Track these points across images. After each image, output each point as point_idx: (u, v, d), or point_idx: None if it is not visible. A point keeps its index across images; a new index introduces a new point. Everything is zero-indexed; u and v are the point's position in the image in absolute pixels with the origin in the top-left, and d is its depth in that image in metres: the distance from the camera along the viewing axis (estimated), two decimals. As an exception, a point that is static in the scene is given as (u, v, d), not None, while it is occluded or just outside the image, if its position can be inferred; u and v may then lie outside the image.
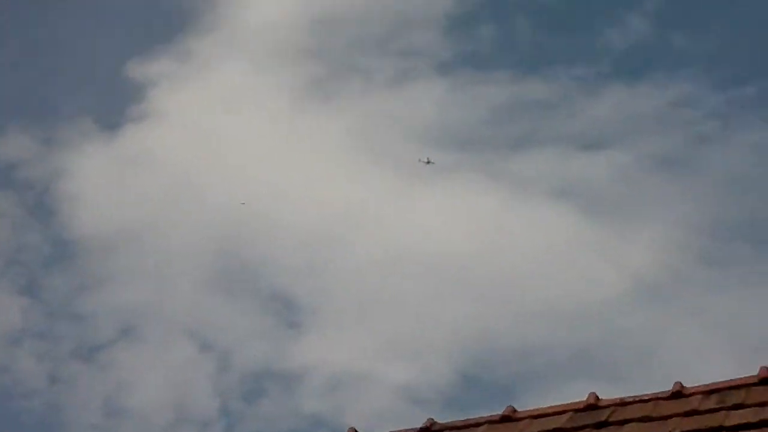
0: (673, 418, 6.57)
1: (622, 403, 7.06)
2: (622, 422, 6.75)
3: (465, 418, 7.63)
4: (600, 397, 7.24)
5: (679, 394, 6.93)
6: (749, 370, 6.89)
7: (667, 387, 7.05)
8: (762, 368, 6.81)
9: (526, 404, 7.49)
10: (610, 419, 6.85)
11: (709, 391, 6.80)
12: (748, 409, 6.38)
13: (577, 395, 7.34)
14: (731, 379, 6.87)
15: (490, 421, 7.39)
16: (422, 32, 43.83)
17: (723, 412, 6.45)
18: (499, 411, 7.48)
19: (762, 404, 6.38)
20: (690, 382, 7.04)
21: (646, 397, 7.03)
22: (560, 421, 7.04)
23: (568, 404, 7.28)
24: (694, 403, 6.72)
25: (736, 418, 6.32)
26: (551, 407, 7.32)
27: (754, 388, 6.68)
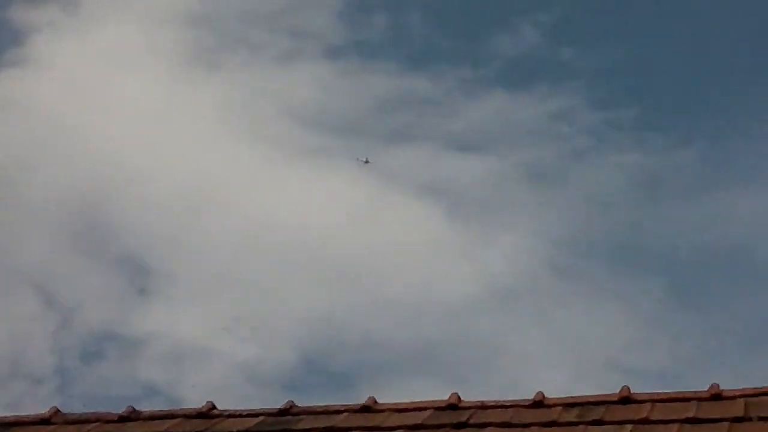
0: (533, 427, 6.68)
1: (483, 407, 7.15)
2: (482, 425, 6.83)
3: (308, 403, 7.61)
4: (462, 398, 7.33)
5: (540, 403, 7.06)
6: (589, 385, 7.08)
7: (513, 392, 7.20)
8: (623, 387, 6.99)
9: (367, 395, 7.53)
10: (470, 421, 6.93)
11: (570, 404, 6.95)
12: (607, 426, 6.54)
13: (420, 391, 7.43)
14: (593, 395, 7.03)
15: (350, 410, 7.39)
16: (316, 13, 43.68)
17: (582, 426, 6.59)
18: (341, 399, 7.52)
19: (620, 422, 6.55)
20: (528, 391, 7.19)
21: (507, 404, 7.14)
22: (420, 418, 7.09)
23: (429, 401, 7.33)
24: (554, 414, 6.85)
25: (593, 433, 6.47)
26: (413, 403, 7.37)
27: (613, 405, 6.85)
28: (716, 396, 6.75)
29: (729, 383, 6.87)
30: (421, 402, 7.36)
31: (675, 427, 6.37)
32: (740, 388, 6.77)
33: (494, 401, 7.20)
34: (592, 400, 6.95)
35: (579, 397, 7.03)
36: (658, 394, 6.91)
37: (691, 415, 6.50)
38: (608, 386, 7.09)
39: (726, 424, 6.29)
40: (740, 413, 6.42)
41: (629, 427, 6.46)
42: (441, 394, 7.35)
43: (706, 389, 6.84)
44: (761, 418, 6.32)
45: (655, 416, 6.59)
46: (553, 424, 6.71)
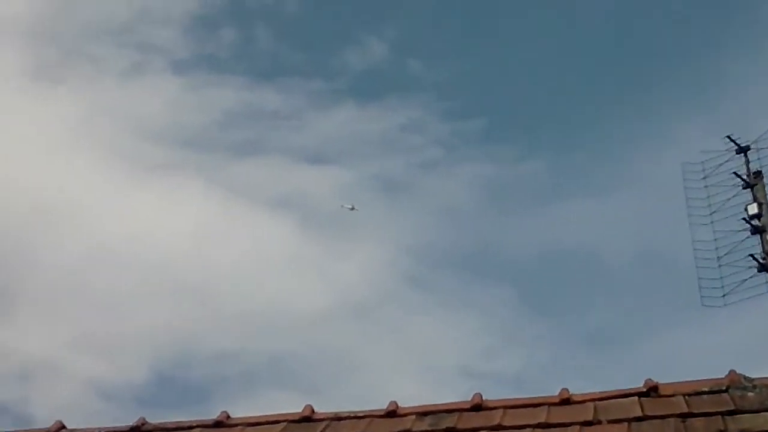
0: (387, 437, 6.69)
1: (337, 418, 7.12)
2: (336, 437, 6.81)
3: (161, 418, 7.48)
4: (315, 410, 7.29)
5: (393, 413, 7.07)
6: (445, 393, 7.13)
7: (370, 403, 7.20)
8: (475, 395, 7.06)
9: (221, 408, 7.44)
10: (324, 433, 6.90)
11: (423, 413, 6.98)
12: (459, 433, 6.59)
13: (275, 403, 7.37)
14: (444, 403, 7.08)
15: (203, 425, 7.28)
16: (162, 28, 42.99)
17: (435, 434, 6.63)
18: (195, 414, 7.42)
19: (473, 429, 6.61)
20: (384, 402, 7.20)
21: (361, 414, 7.13)
22: (275, 431, 7.02)
23: (283, 414, 7.27)
24: (407, 423, 6.87)
25: (446, 440, 6.51)
26: (266, 416, 7.30)
27: (465, 413, 6.91)
28: (566, 401, 6.87)
29: (580, 387, 7.01)
30: (274, 415, 7.29)
31: (527, 432, 6.45)
32: (589, 392, 6.92)
33: (348, 412, 7.18)
34: (444, 408, 6.99)
35: (432, 405, 7.07)
36: (509, 400, 7.00)
37: (542, 420, 6.60)
38: (464, 393, 7.16)
39: (576, 427, 6.41)
40: (590, 417, 6.55)
41: (482, 434, 6.52)
42: (296, 407, 7.31)
43: (556, 394, 6.96)
44: (610, 421, 6.46)
45: (507, 422, 6.66)
46: (406, 433, 6.72)
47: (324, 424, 7.06)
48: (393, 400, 7.19)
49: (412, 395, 7.24)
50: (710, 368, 7.17)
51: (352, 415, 7.15)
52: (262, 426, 7.16)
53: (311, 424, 7.09)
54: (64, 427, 7.43)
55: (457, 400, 7.06)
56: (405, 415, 7.02)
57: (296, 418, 7.20)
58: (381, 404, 7.20)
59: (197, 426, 7.29)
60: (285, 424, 7.14)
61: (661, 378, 6.94)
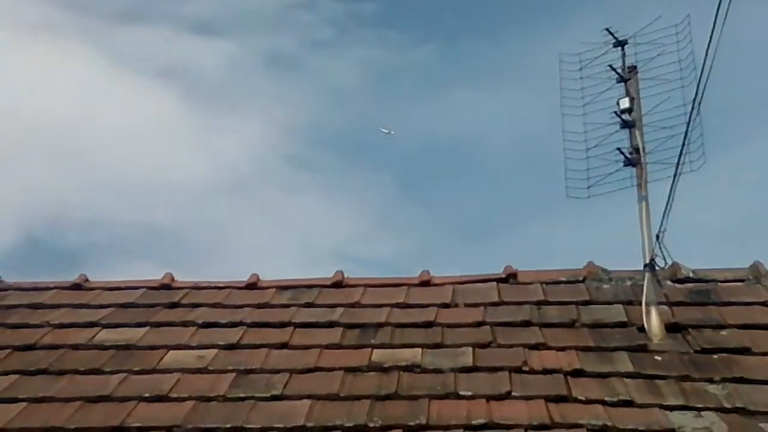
0: (245, 309, 6.64)
1: (197, 287, 7.06)
2: (194, 305, 6.74)
3: (30, 281, 7.32)
4: (175, 279, 7.20)
5: (253, 285, 7.03)
6: (320, 272, 7.11)
7: (243, 279, 7.13)
8: (337, 272, 7.05)
9: (93, 276, 7.31)
10: (183, 301, 6.83)
11: (283, 287, 6.95)
12: (318, 309, 6.58)
13: (147, 275, 7.27)
14: (306, 278, 7.05)
15: (60, 287, 7.14)
16: None
17: (294, 308, 6.60)
18: (66, 278, 7.26)
19: (332, 306, 6.60)
20: (263, 277, 7.16)
21: (221, 285, 7.08)
22: (133, 296, 6.93)
23: (142, 281, 7.18)
24: (267, 296, 6.84)
25: (304, 315, 6.49)
26: (125, 281, 7.19)
27: (326, 289, 6.90)
28: (426, 283, 6.91)
29: (445, 273, 7.04)
30: (134, 281, 7.20)
31: (385, 311, 6.47)
32: (449, 275, 6.96)
33: (208, 282, 7.12)
34: (305, 283, 6.97)
35: (293, 280, 7.04)
36: (370, 279, 7.01)
37: (400, 300, 6.63)
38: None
39: (434, 309, 6.45)
40: (447, 300, 6.59)
41: (340, 310, 6.52)
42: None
43: (417, 276, 6.99)
44: (467, 305, 6.51)
45: (365, 300, 6.68)
46: (265, 305, 6.69)
47: (183, 292, 6.98)
48: (255, 272, 7.14)
49: (286, 275, 7.19)
50: (572, 259, 7.27)
51: (211, 285, 7.09)
52: (120, 291, 7.06)
53: (170, 291, 7.01)
54: None
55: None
56: (265, 288, 6.99)
57: (155, 285, 7.11)
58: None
59: (54, 287, 7.14)
60: (144, 290, 7.05)
61: (526, 267, 7.02)
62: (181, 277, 7.24)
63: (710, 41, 5.65)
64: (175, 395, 5.51)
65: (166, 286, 7.07)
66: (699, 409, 5.14)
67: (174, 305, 6.77)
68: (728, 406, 5.17)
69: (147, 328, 6.44)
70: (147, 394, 5.51)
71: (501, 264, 7.03)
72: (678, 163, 6.11)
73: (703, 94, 5.95)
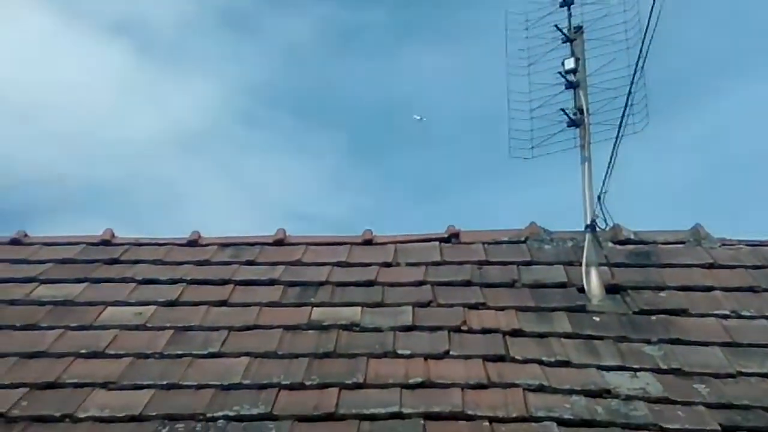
0: (185, 266, 6.59)
1: (138, 244, 6.99)
2: (134, 262, 6.67)
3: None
4: (116, 235, 7.13)
5: (195, 242, 6.97)
6: (267, 230, 7.06)
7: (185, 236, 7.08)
8: (279, 230, 7.01)
9: (38, 233, 7.22)
10: (122, 257, 6.76)
11: (224, 244, 6.90)
12: (259, 266, 6.54)
13: (94, 231, 7.18)
14: (247, 236, 7.01)
15: (-1, 243, 7.04)
16: None
17: (235, 265, 6.56)
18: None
19: (273, 263, 6.57)
20: (209, 234, 7.11)
21: (162, 241, 7.01)
22: (72, 252, 6.85)
23: (82, 236, 7.09)
24: (208, 253, 6.79)
25: (245, 273, 6.45)
26: (65, 237, 7.10)
27: (268, 247, 6.86)
28: (368, 242, 6.90)
29: (397, 232, 7.02)
30: (73, 236, 7.10)
31: (326, 270, 6.45)
32: (392, 234, 6.94)
33: (149, 239, 7.05)
34: (247, 241, 6.93)
35: (235, 237, 6.99)
36: (312, 237, 6.98)
37: (342, 259, 6.61)
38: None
39: (375, 268, 6.44)
40: (389, 259, 6.58)
41: (281, 268, 6.49)
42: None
43: (360, 235, 6.97)
44: (409, 264, 6.51)
45: (307, 259, 6.65)
46: (206, 263, 6.64)
47: (123, 248, 6.91)
48: (196, 230, 7.09)
49: (237, 233, 7.13)
50: (517, 219, 7.28)
51: (152, 241, 7.02)
52: (59, 246, 6.97)
53: (110, 248, 6.94)
54: None
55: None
56: (207, 245, 6.94)
57: (95, 240, 7.03)
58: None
59: (-17, 243, 7.04)
60: (84, 246, 6.97)
61: (474, 227, 7.02)
62: (129, 233, 7.16)
63: (654, 2, 5.65)
64: (112, 352, 5.46)
65: (106, 242, 7.00)
66: (635, 370, 5.17)
67: (114, 261, 6.70)
68: (664, 367, 5.21)
69: (86, 284, 6.37)
70: (83, 351, 5.46)
71: (452, 221, 7.03)
72: (620, 125, 6.12)
73: (646, 56, 5.95)
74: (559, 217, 7.37)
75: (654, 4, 5.66)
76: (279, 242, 6.91)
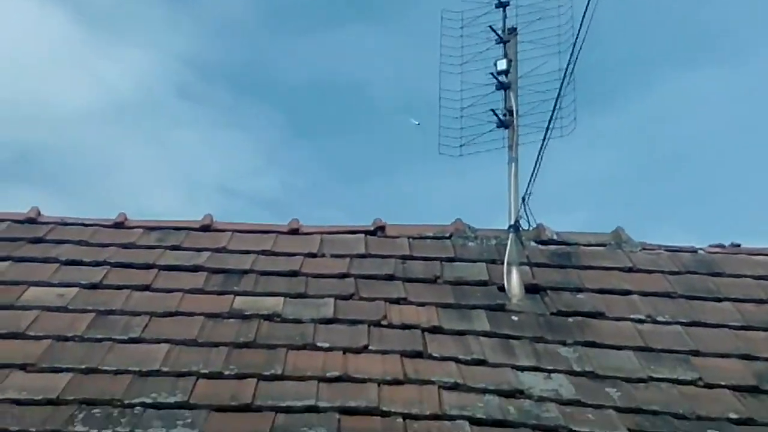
0: (110, 248, 6.57)
1: (63, 223, 6.96)
2: (59, 242, 6.64)
3: None
4: (42, 213, 7.09)
5: (121, 225, 6.95)
6: (198, 209, 7.07)
7: (121, 210, 7.07)
8: (206, 216, 7.02)
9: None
10: (47, 237, 6.73)
11: (151, 228, 6.90)
12: (184, 252, 6.55)
13: (17, 202, 7.13)
14: (175, 220, 7.01)
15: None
16: None
17: (160, 250, 6.56)
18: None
19: (198, 249, 6.58)
20: (138, 214, 7.11)
21: (89, 222, 6.99)
22: (-4, 231, 6.80)
23: (7, 213, 7.04)
24: (134, 236, 6.78)
25: (170, 258, 6.46)
26: (-10, 214, 7.04)
27: (194, 233, 6.87)
28: (294, 231, 6.93)
29: (329, 218, 7.06)
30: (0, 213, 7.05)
31: (251, 258, 6.47)
32: (319, 225, 6.99)
33: (75, 219, 7.02)
34: (174, 225, 6.93)
35: (162, 221, 6.99)
36: (240, 224, 7.00)
37: (267, 247, 6.64)
38: (221, 211, 7.09)
39: (300, 258, 6.48)
40: (315, 249, 6.63)
41: (206, 254, 6.50)
42: (41, 206, 7.09)
43: (286, 224, 7.00)
44: (333, 255, 6.56)
45: (232, 246, 6.67)
46: (131, 246, 6.63)
47: (48, 227, 6.88)
48: (122, 212, 7.07)
49: (168, 207, 7.12)
50: (441, 215, 7.35)
51: (78, 221, 6.99)
52: (-18, 224, 6.91)
53: (35, 226, 6.90)
54: None
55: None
56: (133, 227, 6.92)
57: (21, 218, 6.99)
58: (131, 214, 7.07)
59: None
60: (9, 223, 6.92)
61: (400, 216, 7.08)
62: (58, 202, 7.13)
63: (587, 8, 5.73)
64: (32, 333, 5.45)
65: (32, 221, 6.96)
66: (549, 371, 5.27)
67: (38, 240, 6.67)
68: (578, 369, 5.31)
69: (9, 262, 6.33)
70: (3, 331, 5.44)
71: (379, 209, 7.09)
72: (548, 128, 6.21)
73: (576, 61, 6.04)
74: (486, 215, 7.48)
75: (586, 10, 5.74)
76: (206, 228, 6.92)
